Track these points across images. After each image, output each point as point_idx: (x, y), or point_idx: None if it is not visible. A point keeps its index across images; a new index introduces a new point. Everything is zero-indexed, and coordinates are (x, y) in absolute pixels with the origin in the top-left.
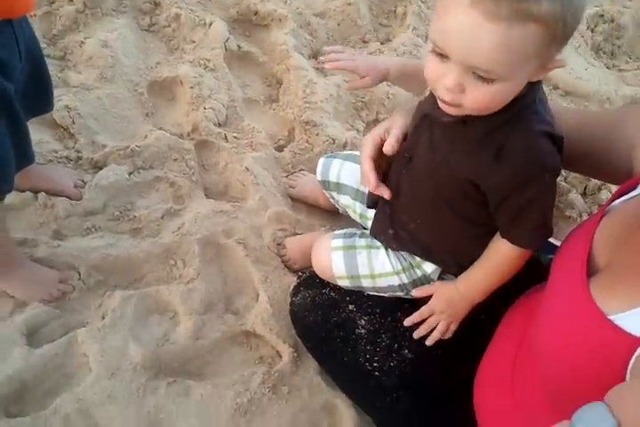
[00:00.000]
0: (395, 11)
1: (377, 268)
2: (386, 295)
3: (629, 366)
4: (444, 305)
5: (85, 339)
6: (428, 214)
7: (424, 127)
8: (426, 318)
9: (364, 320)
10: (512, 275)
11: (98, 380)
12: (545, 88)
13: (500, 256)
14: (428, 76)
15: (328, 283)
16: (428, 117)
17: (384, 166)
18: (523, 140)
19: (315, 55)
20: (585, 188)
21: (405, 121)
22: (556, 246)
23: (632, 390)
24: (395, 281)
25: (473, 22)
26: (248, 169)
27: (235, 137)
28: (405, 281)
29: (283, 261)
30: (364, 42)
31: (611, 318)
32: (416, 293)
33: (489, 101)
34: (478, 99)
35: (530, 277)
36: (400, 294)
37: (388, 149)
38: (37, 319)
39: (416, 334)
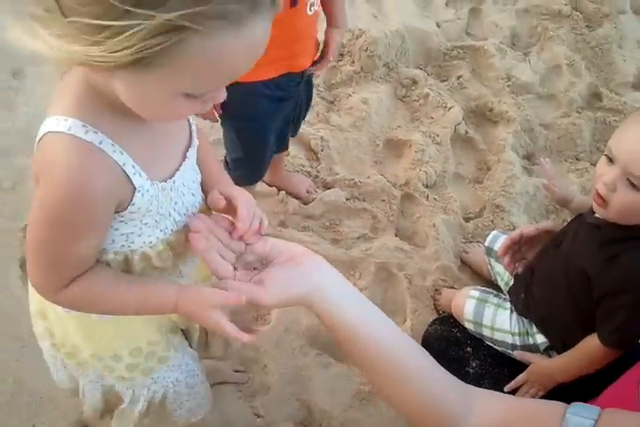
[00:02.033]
0: None
1: (498, 323)
2: (499, 349)
3: None
4: (536, 376)
5: None
6: (552, 291)
7: (576, 223)
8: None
9: (475, 363)
10: (591, 368)
11: (274, 329)
12: None
13: (587, 346)
14: (597, 171)
15: (458, 325)
16: (581, 217)
17: (524, 250)
18: (635, 259)
19: (528, 156)
20: None
21: (551, 226)
22: None
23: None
24: (508, 339)
25: (637, 139)
26: (435, 226)
27: (434, 198)
28: (517, 343)
29: (434, 304)
30: (577, 159)
31: None
32: (517, 354)
33: (629, 206)
34: (622, 200)
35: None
36: (509, 352)
37: (526, 231)
38: None
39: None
